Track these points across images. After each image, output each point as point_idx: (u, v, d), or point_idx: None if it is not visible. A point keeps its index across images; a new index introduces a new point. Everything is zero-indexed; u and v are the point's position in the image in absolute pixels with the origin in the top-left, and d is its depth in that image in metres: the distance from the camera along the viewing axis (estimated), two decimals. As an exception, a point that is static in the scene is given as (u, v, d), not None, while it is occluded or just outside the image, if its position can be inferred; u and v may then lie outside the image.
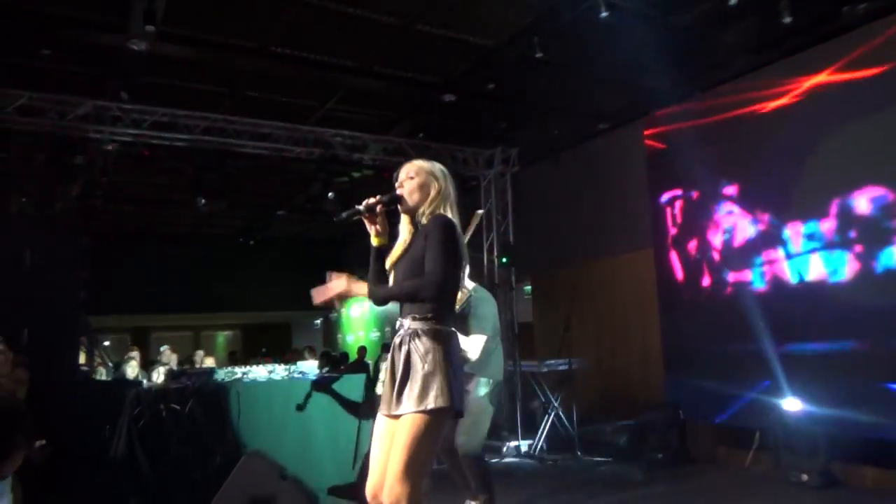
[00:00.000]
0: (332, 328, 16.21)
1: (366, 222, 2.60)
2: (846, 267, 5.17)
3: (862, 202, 5.08)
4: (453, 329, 2.53)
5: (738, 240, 6.02)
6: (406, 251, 2.58)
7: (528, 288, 9.15)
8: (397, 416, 2.41)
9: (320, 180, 7.87)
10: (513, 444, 7.04)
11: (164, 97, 6.85)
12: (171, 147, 6.89)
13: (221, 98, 7.18)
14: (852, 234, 5.13)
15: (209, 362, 9.94)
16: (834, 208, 5.25)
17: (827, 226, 5.30)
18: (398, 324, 2.54)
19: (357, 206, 2.59)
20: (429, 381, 2.35)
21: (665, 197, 6.80)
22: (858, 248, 5.10)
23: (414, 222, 2.62)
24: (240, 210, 11.82)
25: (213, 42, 5.94)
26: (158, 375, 6.45)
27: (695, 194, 6.47)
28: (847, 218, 5.16)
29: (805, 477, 4.99)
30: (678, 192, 6.65)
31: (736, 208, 6.06)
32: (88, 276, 6.43)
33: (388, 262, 2.60)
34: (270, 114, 7.31)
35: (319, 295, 2.85)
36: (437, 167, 2.63)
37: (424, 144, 7.87)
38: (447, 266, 2.43)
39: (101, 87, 6.53)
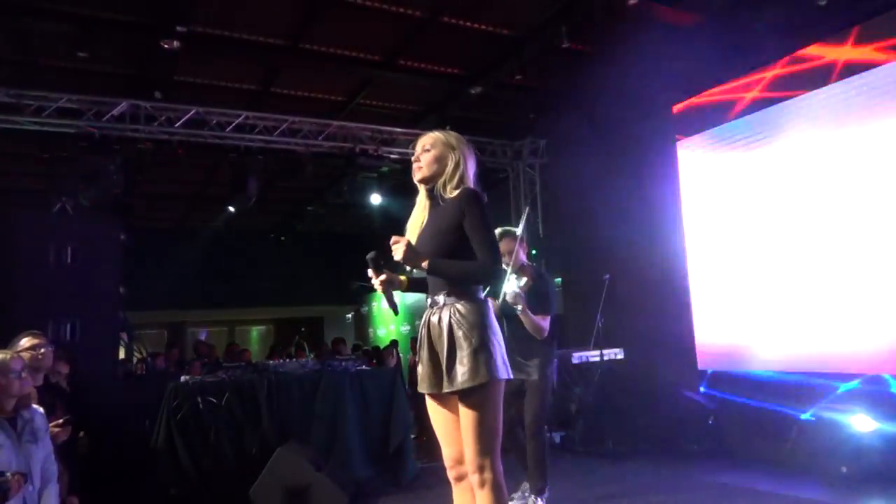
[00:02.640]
0: (363, 322, 16.33)
1: (377, 279, 2.51)
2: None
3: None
4: (484, 297, 2.53)
5: (767, 229, 5.92)
6: (425, 228, 2.56)
7: (559, 280, 9.10)
8: (450, 394, 2.42)
9: (350, 175, 7.93)
10: (546, 436, 7.02)
11: (197, 95, 6.98)
12: (203, 144, 7.00)
13: (252, 95, 7.28)
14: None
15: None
16: (875, 195, 5.11)
17: (868, 213, 5.17)
18: (429, 300, 2.52)
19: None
20: (478, 356, 2.36)
21: (697, 185, 6.70)
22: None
23: (433, 194, 2.58)
24: (272, 206, 11.97)
25: (243, 40, 6.01)
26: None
27: (727, 182, 6.37)
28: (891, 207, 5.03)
29: (845, 469, 4.88)
30: (710, 179, 6.55)
31: (768, 194, 5.94)
32: (126, 273, 6.58)
33: (411, 237, 2.56)
34: (300, 110, 7.39)
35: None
36: (454, 136, 2.59)
37: (453, 137, 7.88)
38: (496, 246, 2.45)
39: (135, 86, 6.68)
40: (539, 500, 4.33)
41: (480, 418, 2.36)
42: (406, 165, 8.23)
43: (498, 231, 3.69)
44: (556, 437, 6.97)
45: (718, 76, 6.54)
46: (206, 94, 7.07)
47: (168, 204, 11.50)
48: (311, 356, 7.16)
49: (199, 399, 4.82)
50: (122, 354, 8.70)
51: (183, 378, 5.13)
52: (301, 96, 7.39)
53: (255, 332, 18.65)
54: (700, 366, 6.57)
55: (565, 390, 7.32)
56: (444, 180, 2.52)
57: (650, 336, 7.15)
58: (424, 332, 2.51)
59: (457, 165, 2.53)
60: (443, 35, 6.08)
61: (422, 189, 2.62)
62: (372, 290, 14.44)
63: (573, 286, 8.84)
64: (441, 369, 2.43)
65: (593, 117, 7.96)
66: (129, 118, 6.52)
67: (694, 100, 6.83)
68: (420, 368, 2.54)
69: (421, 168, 2.56)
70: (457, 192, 2.50)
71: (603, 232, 7.96)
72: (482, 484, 2.36)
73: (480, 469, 2.35)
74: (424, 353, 2.49)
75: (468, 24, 5.91)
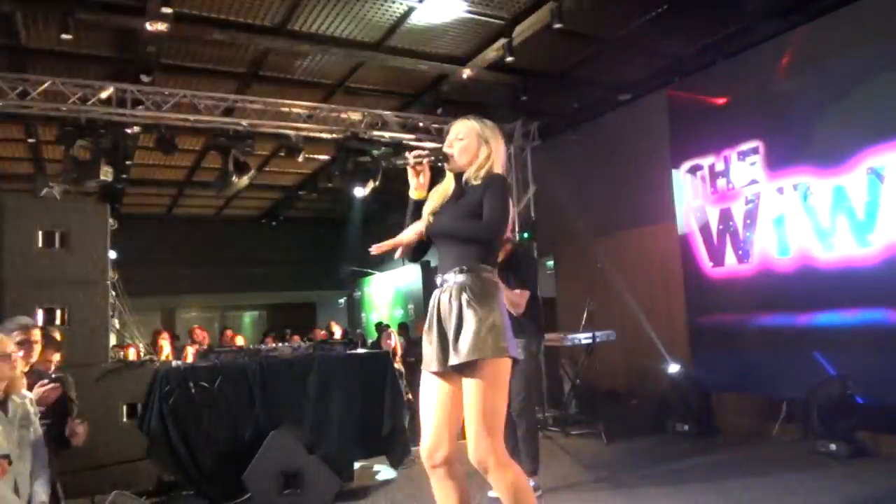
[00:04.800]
0: (355, 307, 16.33)
1: (410, 173, 2.63)
2: (875, 233, 5.07)
3: (892, 162, 4.96)
4: (496, 279, 2.54)
5: (762, 209, 5.93)
6: (447, 203, 2.62)
7: (551, 262, 9.11)
8: (455, 371, 2.40)
9: (340, 159, 7.87)
10: (535, 417, 7.07)
11: (185, 79, 6.89)
12: (191, 128, 6.92)
13: (241, 79, 7.20)
14: (883, 198, 5.02)
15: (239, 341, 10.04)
16: (863, 172, 5.13)
17: (856, 191, 5.19)
18: (440, 279, 2.55)
19: (406, 156, 2.63)
20: (490, 330, 2.36)
21: (686, 166, 6.70)
22: (889, 212, 4.98)
23: (460, 180, 2.63)
24: (262, 191, 11.90)
25: (232, 22, 5.93)
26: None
27: (717, 163, 6.37)
28: (877, 182, 5.05)
29: (833, 447, 4.94)
30: (700, 161, 6.55)
31: (761, 176, 5.95)
32: (117, 259, 6.52)
33: (428, 212, 2.62)
34: (290, 93, 7.32)
35: (379, 249, 2.69)
36: (488, 126, 2.65)
37: (444, 120, 7.82)
38: (504, 218, 2.50)
39: (121, 70, 6.58)
40: (531, 481, 4.33)
41: (484, 394, 2.32)
42: (397, 149, 8.16)
43: None
44: (549, 419, 7.02)
45: (713, 56, 6.53)
46: (193, 77, 6.99)
47: (157, 189, 11.40)
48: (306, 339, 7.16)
49: (191, 384, 4.80)
50: (113, 340, 8.64)
51: (174, 363, 5.11)
52: (291, 80, 7.31)
53: (248, 317, 18.63)
54: (692, 347, 6.61)
55: (558, 372, 7.36)
56: (474, 170, 2.58)
57: (642, 317, 7.19)
58: (434, 310, 2.52)
59: (487, 157, 2.59)
60: (434, 18, 6.02)
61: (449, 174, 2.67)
62: (363, 274, 14.21)
63: (565, 268, 8.86)
64: (448, 345, 2.42)
65: (585, 99, 7.94)
66: (116, 102, 6.42)
67: (688, 80, 6.82)
68: (426, 348, 2.53)
69: (452, 156, 2.61)
70: (483, 179, 2.55)
71: (596, 214, 7.97)
72: (487, 466, 2.31)
73: (484, 450, 2.30)
74: (434, 333, 2.49)
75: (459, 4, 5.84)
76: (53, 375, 3.77)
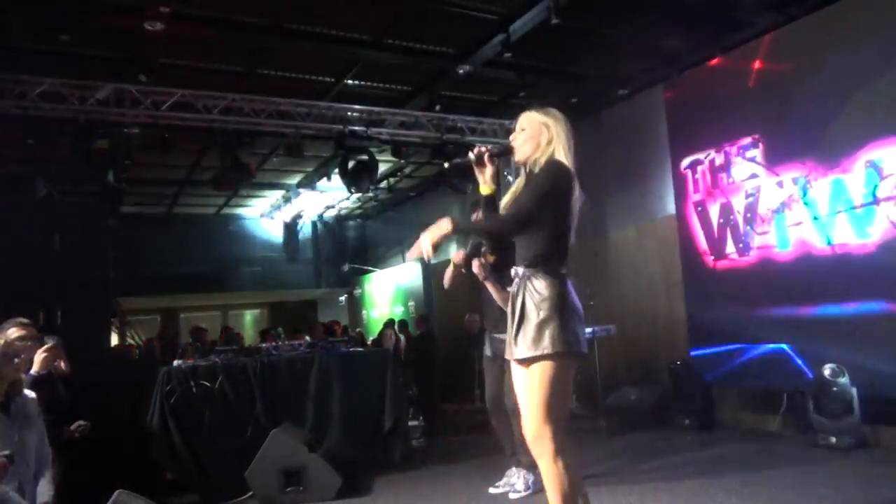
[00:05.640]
0: (356, 305, 16.34)
1: (475, 170, 2.68)
2: (874, 225, 5.07)
3: (891, 156, 4.95)
4: (565, 273, 2.57)
5: (762, 203, 5.93)
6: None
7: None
8: (518, 361, 2.50)
9: (339, 157, 7.87)
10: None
11: (183, 78, 6.88)
12: (190, 127, 6.92)
13: (239, 77, 7.19)
14: (881, 190, 5.02)
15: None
16: (862, 165, 5.13)
17: (854, 184, 5.19)
18: (513, 272, 2.61)
19: (469, 155, 2.67)
20: (543, 328, 2.42)
21: (687, 162, 6.70)
22: (887, 204, 4.98)
23: (528, 172, 2.67)
24: (262, 189, 11.91)
25: (229, 21, 5.92)
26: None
27: (717, 158, 6.37)
28: (875, 175, 5.05)
29: (834, 439, 4.95)
30: (700, 156, 6.55)
31: (760, 170, 5.95)
32: (116, 259, 6.54)
33: (503, 208, 2.68)
34: (288, 92, 7.31)
35: (415, 250, 2.64)
36: (551, 114, 2.67)
37: (442, 117, 7.82)
38: (534, 204, 2.51)
39: (119, 70, 6.58)
40: (530, 475, 4.35)
41: (539, 388, 2.40)
42: (395, 145, 8.14)
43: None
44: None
45: (710, 50, 6.52)
46: (191, 76, 6.98)
47: (157, 189, 11.40)
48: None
49: (193, 383, 4.83)
50: (115, 340, 8.68)
51: (176, 362, 5.13)
52: (289, 78, 7.30)
53: (249, 315, 18.64)
54: (691, 341, 6.62)
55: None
56: (537, 157, 2.61)
57: (642, 311, 7.20)
58: (510, 302, 2.59)
59: (549, 143, 2.60)
60: (430, 13, 6.01)
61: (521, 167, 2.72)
62: (364, 272, 14.21)
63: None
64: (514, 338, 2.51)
65: (583, 94, 7.93)
66: (115, 102, 6.42)
67: (686, 74, 6.82)
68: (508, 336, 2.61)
69: (514, 148, 2.66)
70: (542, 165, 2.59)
71: (594, 209, 7.97)
72: (540, 455, 2.40)
73: (538, 439, 2.38)
74: (510, 323, 2.57)
75: (456, 1, 5.83)
76: (48, 339, 3.80)
